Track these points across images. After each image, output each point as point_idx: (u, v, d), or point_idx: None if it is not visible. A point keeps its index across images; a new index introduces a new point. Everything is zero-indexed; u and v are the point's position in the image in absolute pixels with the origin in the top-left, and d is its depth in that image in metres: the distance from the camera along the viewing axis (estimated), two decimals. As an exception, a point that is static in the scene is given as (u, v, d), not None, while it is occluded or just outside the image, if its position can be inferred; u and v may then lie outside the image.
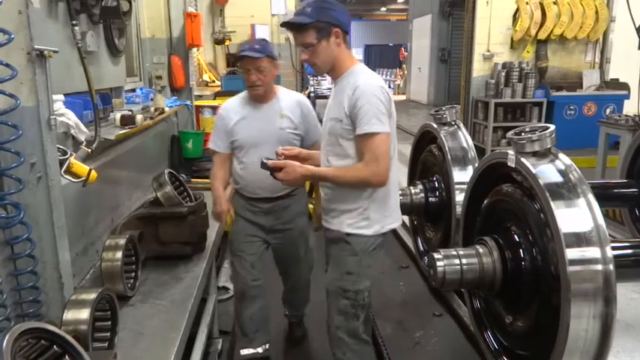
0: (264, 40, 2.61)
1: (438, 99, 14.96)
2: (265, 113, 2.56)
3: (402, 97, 18.65)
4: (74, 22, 2.28)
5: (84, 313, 1.64)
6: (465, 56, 7.59)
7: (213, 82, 7.50)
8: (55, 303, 1.74)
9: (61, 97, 2.11)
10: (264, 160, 2.07)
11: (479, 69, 7.33)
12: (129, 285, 2.17)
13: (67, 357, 1.19)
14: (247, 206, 2.66)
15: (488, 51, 7.26)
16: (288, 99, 2.61)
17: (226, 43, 7.89)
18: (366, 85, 1.97)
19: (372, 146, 1.94)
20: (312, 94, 8.32)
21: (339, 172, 2.05)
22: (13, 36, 1.48)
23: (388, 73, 22.95)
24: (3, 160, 1.59)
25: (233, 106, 2.62)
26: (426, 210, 3.64)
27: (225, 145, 2.59)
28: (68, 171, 1.91)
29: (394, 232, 3.33)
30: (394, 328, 3.17)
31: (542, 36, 7.01)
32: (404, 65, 20.48)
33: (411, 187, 3.69)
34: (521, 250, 2.25)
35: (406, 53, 9.78)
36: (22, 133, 1.56)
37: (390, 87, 14.80)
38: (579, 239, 1.91)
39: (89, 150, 2.21)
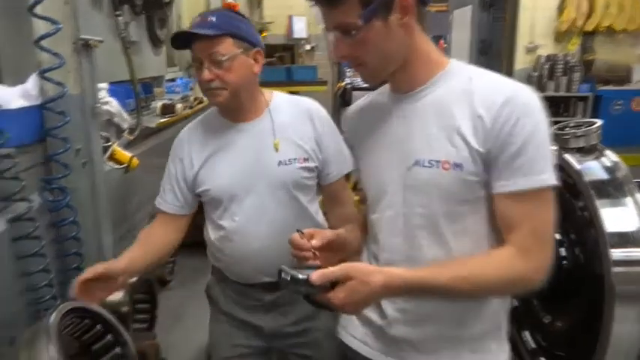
0: (229, 10, 1.49)
1: (478, 93, 14.62)
2: (251, 139, 1.46)
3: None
4: (118, 12, 2.33)
5: (124, 296, 1.70)
6: (506, 48, 7.37)
7: (251, 72, 7.57)
8: (97, 285, 1.80)
9: (106, 85, 2.17)
10: (284, 275, 0.94)
11: (521, 61, 7.10)
12: (168, 270, 2.23)
13: (109, 336, 1.23)
14: (235, 297, 1.57)
15: (532, 43, 7.02)
16: (288, 110, 1.50)
17: (263, 34, 7.95)
18: (527, 95, 0.99)
19: (539, 214, 0.97)
20: (348, 86, 8.20)
21: (461, 272, 0.96)
22: (61, 26, 1.53)
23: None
24: (51, 146, 1.65)
25: (195, 136, 1.51)
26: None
27: (179, 199, 1.51)
28: (111, 158, 1.97)
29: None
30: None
31: (589, 28, 6.74)
32: (442, 57, 20.06)
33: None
34: (562, 249, 2.19)
35: (445, 45, 9.53)
36: (69, 119, 1.61)
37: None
38: (625, 239, 1.84)
39: (131, 137, 2.27)
